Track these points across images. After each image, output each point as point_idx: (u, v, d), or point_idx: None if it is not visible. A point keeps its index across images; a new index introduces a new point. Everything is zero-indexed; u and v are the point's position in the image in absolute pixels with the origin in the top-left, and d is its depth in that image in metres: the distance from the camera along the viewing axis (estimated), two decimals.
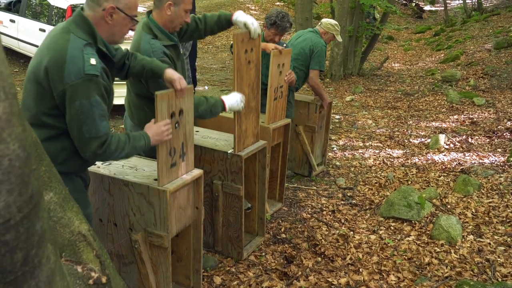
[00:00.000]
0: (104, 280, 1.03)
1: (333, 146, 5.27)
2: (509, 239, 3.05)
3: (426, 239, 3.07)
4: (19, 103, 0.65)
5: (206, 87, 9.07)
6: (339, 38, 4.01)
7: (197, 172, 2.22)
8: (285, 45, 3.56)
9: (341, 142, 5.45)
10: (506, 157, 4.56)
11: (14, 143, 0.59)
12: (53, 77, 1.52)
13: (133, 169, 2.18)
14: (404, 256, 2.87)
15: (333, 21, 4.01)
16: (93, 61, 1.55)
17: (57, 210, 1.05)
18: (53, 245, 0.76)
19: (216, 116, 2.40)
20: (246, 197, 2.90)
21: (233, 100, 2.37)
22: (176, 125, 2.01)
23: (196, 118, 2.23)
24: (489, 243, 3.01)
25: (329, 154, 4.96)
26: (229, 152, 2.60)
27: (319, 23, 4.08)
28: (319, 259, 2.81)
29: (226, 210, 2.75)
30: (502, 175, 4.12)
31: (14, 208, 0.61)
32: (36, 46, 6.48)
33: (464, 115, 6.51)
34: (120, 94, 5.05)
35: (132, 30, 1.75)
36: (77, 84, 1.51)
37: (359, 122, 6.39)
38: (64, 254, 1.02)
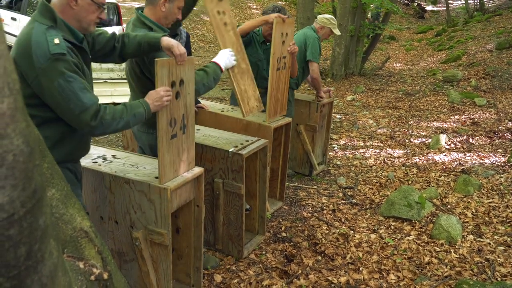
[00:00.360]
0: (105, 276, 1.04)
1: (334, 145, 5.28)
2: (509, 239, 3.06)
3: (426, 239, 3.08)
4: (22, 99, 0.66)
5: None
6: (336, 32, 3.97)
7: (198, 170, 2.23)
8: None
9: (342, 142, 5.46)
10: (507, 158, 4.56)
11: (18, 139, 0.60)
12: (23, 66, 1.55)
13: (134, 167, 2.19)
14: (404, 256, 2.88)
15: (328, 15, 3.99)
16: (56, 40, 1.55)
17: (59, 206, 1.06)
18: (55, 240, 0.77)
19: (219, 80, 2.34)
20: (246, 196, 2.91)
21: (224, 57, 2.37)
22: (177, 95, 1.97)
23: (206, 92, 2.24)
24: (489, 243, 3.01)
25: (330, 153, 4.96)
26: (230, 150, 2.61)
27: (315, 19, 4.08)
28: (319, 258, 2.81)
29: (227, 209, 2.75)
30: (502, 175, 4.12)
31: (17, 203, 0.62)
32: None
33: (465, 115, 6.51)
34: (121, 92, 5.05)
35: (101, 18, 1.75)
36: (47, 66, 1.53)
37: (360, 121, 6.39)
38: (66, 250, 1.03)
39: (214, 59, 2.37)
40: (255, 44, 3.39)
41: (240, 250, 2.77)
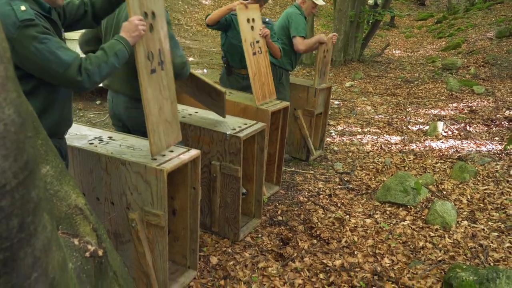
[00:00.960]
0: (100, 253, 1.04)
1: (331, 131, 5.27)
2: (502, 226, 3.09)
3: (421, 224, 3.10)
4: (13, 68, 0.64)
5: (205, 70, 9.01)
6: (319, 2, 3.88)
7: (194, 152, 2.22)
8: (267, 20, 3.53)
9: (339, 128, 5.45)
10: (503, 145, 4.58)
11: (9, 108, 0.59)
12: None
13: (131, 148, 2.18)
14: (399, 240, 2.90)
15: None
16: (23, 7, 1.53)
17: (53, 183, 1.05)
18: (49, 214, 0.76)
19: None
20: (243, 179, 2.91)
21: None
22: (151, 28, 1.96)
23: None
24: (483, 229, 3.04)
25: (327, 139, 4.96)
26: (228, 133, 2.60)
27: None
28: (315, 241, 2.83)
29: (224, 191, 2.76)
30: (498, 163, 4.14)
31: (9, 173, 0.61)
32: None
33: (463, 103, 6.51)
34: None
35: None
36: (18, 34, 1.52)
37: (358, 108, 6.38)
38: (61, 227, 1.02)
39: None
40: (235, 27, 3.35)
41: (236, 233, 2.79)
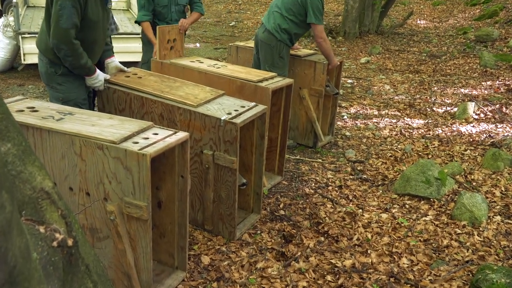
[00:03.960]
0: (70, 242, 1.06)
1: (343, 114, 5.28)
2: None
3: (445, 219, 3.13)
4: None
5: (198, 45, 8.99)
6: None
7: (182, 135, 2.23)
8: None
9: (352, 110, 5.46)
10: None
11: None
12: None
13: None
14: (420, 238, 2.93)
15: None
16: None
17: (16, 163, 1.06)
18: (9, 193, 0.78)
19: (82, 70, 2.85)
20: (241, 169, 2.93)
21: (102, 75, 2.95)
22: None
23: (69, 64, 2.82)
24: None
25: (338, 123, 4.98)
26: (222, 118, 2.60)
27: None
28: (322, 238, 2.86)
29: (218, 185, 2.78)
30: None
31: None
32: None
33: (499, 81, 6.49)
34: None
35: None
36: None
37: (375, 87, 6.38)
38: (24, 212, 1.04)
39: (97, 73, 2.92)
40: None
41: (231, 231, 2.82)
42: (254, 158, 3.04)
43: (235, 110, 2.74)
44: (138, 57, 5.48)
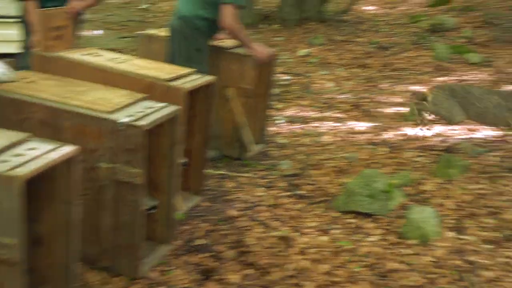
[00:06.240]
0: None
1: (277, 117, 5.37)
2: (498, 235, 3.33)
3: (393, 239, 3.27)
4: None
5: (101, 31, 8.81)
6: None
7: (69, 149, 2.17)
8: None
9: (288, 113, 5.58)
10: (504, 131, 4.91)
11: None
12: None
13: None
14: (365, 262, 3.04)
15: None
16: None
17: None
18: None
19: None
20: (148, 187, 2.90)
21: None
22: None
23: None
24: (474, 241, 3.27)
25: (271, 128, 5.05)
26: (122, 121, 2.56)
27: None
28: (250, 271, 2.89)
29: (118, 207, 2.73)
30: (496, 153, 4.46)
31: None
32: None
33: (454, 76, 6.92)
34: None
35: None
36: None
37: (316, 85, 6.56)
38: None
39: None
40: None
41: (136, 266, 2.77)
42: (165, 173, 3.01)
43: (139, 112, 2.71)
44: (15, 48, 5.24)
